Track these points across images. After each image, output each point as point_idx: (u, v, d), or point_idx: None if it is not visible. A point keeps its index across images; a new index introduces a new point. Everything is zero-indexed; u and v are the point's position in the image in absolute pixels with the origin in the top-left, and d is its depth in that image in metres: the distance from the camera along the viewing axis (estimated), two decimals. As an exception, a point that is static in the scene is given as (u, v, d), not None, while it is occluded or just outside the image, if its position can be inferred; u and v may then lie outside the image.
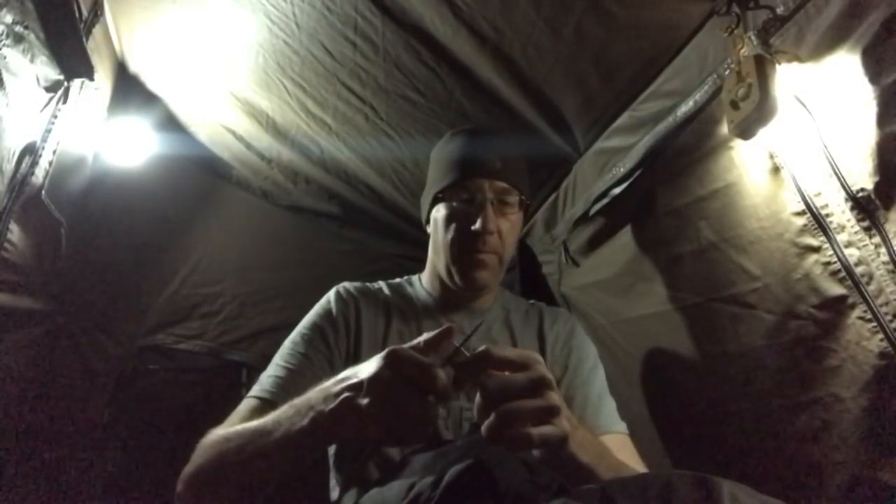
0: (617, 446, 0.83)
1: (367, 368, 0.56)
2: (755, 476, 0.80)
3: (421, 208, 1.02)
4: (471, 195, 0.90)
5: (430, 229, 0.99)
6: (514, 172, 0.93)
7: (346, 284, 0.99)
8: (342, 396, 0.56)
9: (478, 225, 0.86)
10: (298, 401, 0.62)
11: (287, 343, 0.89)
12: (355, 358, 0.88)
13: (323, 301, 0.96)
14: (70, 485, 1.13)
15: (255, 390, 0.83)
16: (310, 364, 0.85)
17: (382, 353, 0.54)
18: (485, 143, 0.95)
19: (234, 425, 0.76)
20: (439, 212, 0.94)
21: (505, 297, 1.05)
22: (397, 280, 1.05)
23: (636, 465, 0.80)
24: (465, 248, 0.89)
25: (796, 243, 0.73)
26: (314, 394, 0.61)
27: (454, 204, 0.91)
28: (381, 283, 1.03)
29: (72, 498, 1.13)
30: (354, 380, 0.56)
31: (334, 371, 0.87)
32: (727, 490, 0.43)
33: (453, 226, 0.90)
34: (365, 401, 0.53)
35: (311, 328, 0.90)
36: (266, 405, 0.79)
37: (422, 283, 1.03)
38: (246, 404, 0.82)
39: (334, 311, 0.92)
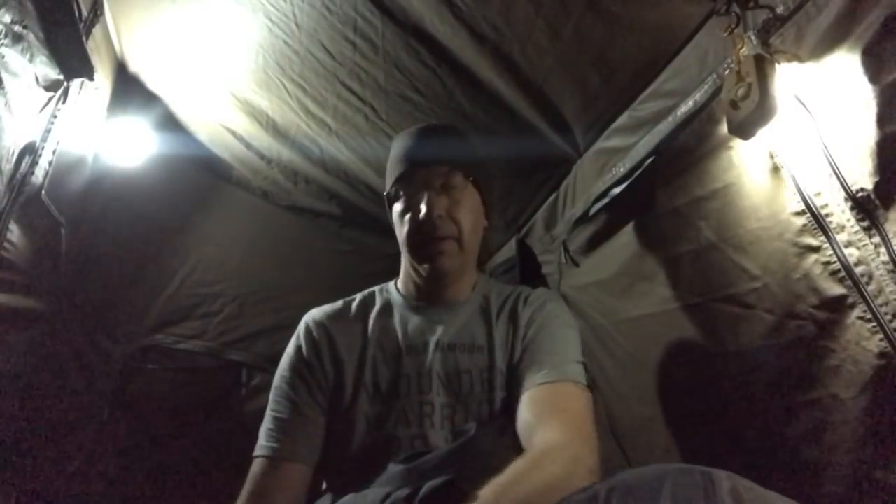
0: (542, 396, 0.80)
1: None
2: (755, 476, 0.80)
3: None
4: (414, 187, 0.91)
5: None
6: (453, 153, 0.94)
7: (315, 314, 0.98)
8: None
9: (423, 212, 0.88)
10: None
11: (273, 390, 0.91)
12: (339, 384, 0.89)
13: (293, 339, 0.95)
14: (70, 484, 1.13)
15: (258, 448, 0.85)
16: (297, 409, 0.87)
17: None
18: (421, 135, 0.96)
19: (250, 492, 0.80)
20: (394, 212, 0.96)
21: (486, 285, 1.03)
22: (372, 289, 1.04)
23: (562, 409, 0.77)
24: (418, 238, 0.90)
25: (796, 243, 0.73)
26: None
27: (402, 199, 0.93)
28: (356, 296, 1.02)
29: (72, 497, 1.13)
30: None
31: (320, 408, 0.87)
32: (728, 483, 0.43)
33: (405, 220, 0.92)
34: None
35: (289, 370, 0.91)
36: (272, 463, 0.82)
37: (397, 287, 1.02)
38: (255, 466, 0.83)
39: (305, 349, 0.92)
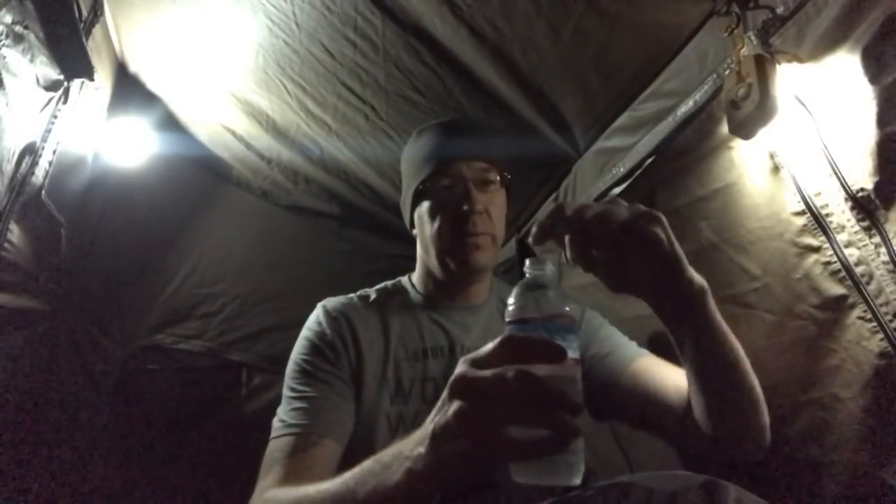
0: (653, 361, 0.87)
1: (442, 409, 0.48)
2: (755, 476, 0.80)
3: (402, 212, 1.00)
4: (452, 180, 0.88)
5: (415, 230, 0.97)
6: (489, 150, 0.92)
7: (332, 301, 0.94)
8: (435, 440, 0.48)
9: (465, 207, 0.85)
10: (384, 455, 0.55)
11: (292, 374, 0.85)
12: (359, 378, 0.85)
13: (311, 323, 0.91)
14: (70, 484, 1.13)
15: (283, 427, 0.77)
16: (329, 386, 0.81)
17: (451, 384, 0.47)
18: (454, 130, 0.94)
19: (284, 472, 0.71)
20: (423, 206, 0.92)
21: (500, 287, 1.03)
22: (384, 285, 1.01)
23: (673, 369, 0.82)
24: (456, 233, 0.87)
25: (796, 243, 0.73)
26: (400, 446, 0.53)
27: (437, 193, 0.90)
28: (369, 291, 0.98)
29: (72, 497, 1.13)
30: (439, 422, 0.48)
31: (349, 390, 0.83)
32: (733, 495, 0.43)
33: (440, 214, 0.89)
34: (461, 437, 0.45)
35: (310, 352, 0.86)
36: (307, 439, 0.75)
37: (413, 285, 1.00)
38: (283, 444, 0.75)
39: (329, 332, 0.87)
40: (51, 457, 1.11)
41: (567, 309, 0.50)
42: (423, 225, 0.92)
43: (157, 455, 1.24)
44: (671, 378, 0.80)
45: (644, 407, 0.82)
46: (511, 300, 0.53)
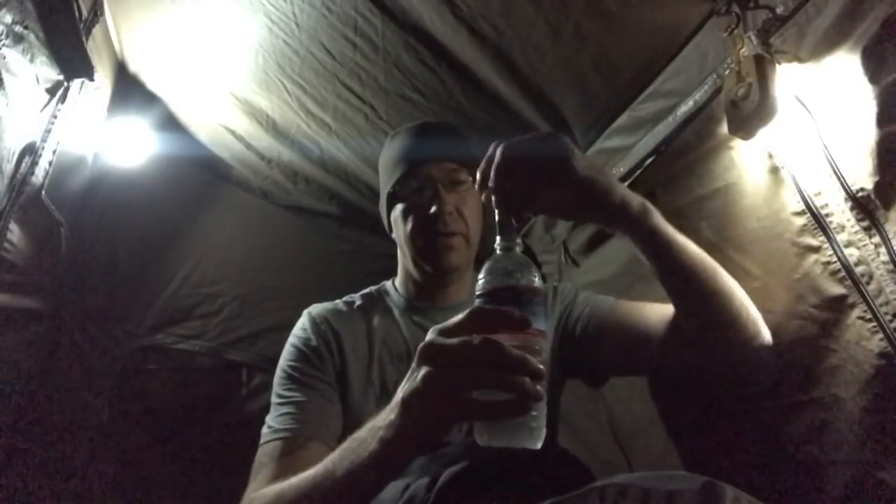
0: (634, 303, 0.88)
1: (411, 376, 0.51)
2: (755, 476, 0.80)
3: (381, 216, 1.02)
4: (420, 183, 0.90)
5: (394, 234, 0.98)
6: (458, 150, 0.93)
7: (318, 309, 0.96)
8: (405, 405, 0.50)
9: (434, 208, 0.87)
10: (360, 431, 0.57)
11: (279, 381, 0.86)
12: (344, 382, 0.86)
13: (297, 330, 0.92)
14: (70, 484, 1.13)
15: (272, 433, 0.79)
16: (316, 392, 0.83)
17: (419, 351, 0.50)
18: (423, 132, 0.96)
19: (271, 475, 0.73)
20: (396, 209, 0.94)
21: None
22: (369, 290, 1.03)
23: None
24: (427, 234, 0.89)
25: (796, 243, 0.73)
26: (373, 420, 0.55)
27: (407, 196, 0.92)
28: (354, 297, 1.00)
29: (72, 497, 1.13)
30: (408, 388, 0.50)
31: (336, 394, 0.85)
32: (730, 495, 0.43)
33: (411, 217, 0.91)
34: (429, 400, 0.48)
35: (296, 358, 0.87)
36: (295, 443, 0.76)
37: (395, 288, 1.01)
38: (271, 449, 0.77)
39: (314, 339, 0.89)
40: (50, 457, 1.11)
41: (535, 284, 0.53)
42: (398, 228, 0.94)
43: (157, 455, 1.24)
44: (654, 310, 0.81)
45: (635, 345, 0.83)
46: (481, 275, 0.55)
